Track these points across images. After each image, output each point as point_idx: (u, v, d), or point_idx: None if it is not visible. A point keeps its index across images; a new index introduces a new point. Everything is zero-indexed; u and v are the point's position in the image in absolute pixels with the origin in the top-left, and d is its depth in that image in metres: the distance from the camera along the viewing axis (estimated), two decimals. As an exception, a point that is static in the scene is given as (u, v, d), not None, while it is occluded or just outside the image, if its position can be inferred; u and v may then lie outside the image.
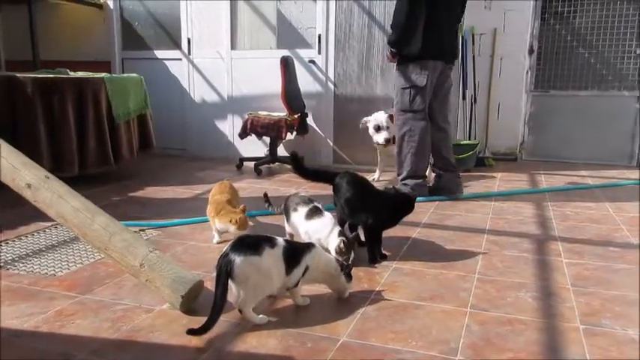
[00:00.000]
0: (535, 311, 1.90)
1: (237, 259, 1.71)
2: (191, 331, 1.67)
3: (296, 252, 1.86)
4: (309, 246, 1.94)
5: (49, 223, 2.85)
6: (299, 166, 2.68)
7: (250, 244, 1.79)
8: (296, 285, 1.86)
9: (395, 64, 3.60)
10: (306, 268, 1.85)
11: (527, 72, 5.30)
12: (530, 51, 5.27)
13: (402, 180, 3.66)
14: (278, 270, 1.79)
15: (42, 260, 2.40)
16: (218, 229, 2.63)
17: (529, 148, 5.47)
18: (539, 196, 3.76)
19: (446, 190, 3.71)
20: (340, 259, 2.06)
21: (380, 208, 2.43)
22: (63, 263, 2.36)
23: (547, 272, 2.29)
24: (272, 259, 1.78)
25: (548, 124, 5.38)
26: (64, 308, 1.90)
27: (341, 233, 2.26)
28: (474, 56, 5.26)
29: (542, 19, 5.24)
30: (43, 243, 2.64)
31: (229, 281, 1.71)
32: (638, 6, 4.93)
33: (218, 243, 2.63)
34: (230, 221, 2.53)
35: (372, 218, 2.39)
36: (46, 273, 2.24)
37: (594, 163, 5.14)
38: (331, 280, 1.95)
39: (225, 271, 1.70)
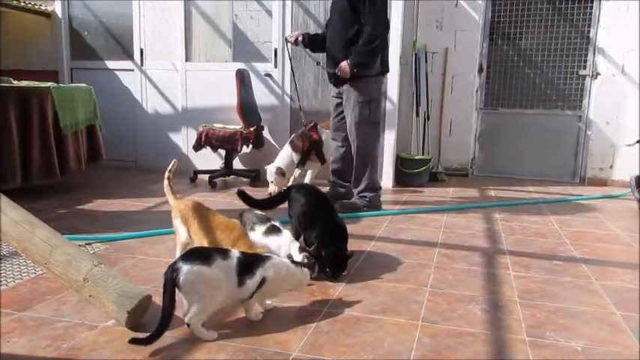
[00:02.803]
0: (483, 323, 1.93)
1: (184, 268, 1.68)
2: (135, 341, 1.63)
3: (251, 264, 1.82)
4: (264, 258, 1.90)
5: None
6: (251, 201, 2.65)
7: (201, 254, 1.77)
8: (250, 297, 1.82)
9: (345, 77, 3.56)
10: (263, 281, 1.82)
11: (477, 90, 5.48)
12: (480, 70, 5.46)
13: (360, 193, 3.68)
14: (229, 282, 1.76)
15: (-23, 276, 2.26)
16: None
17: (480, 164, 5.63)
18: (488, 211, 3.86)
19: (374, 206, 3.73)
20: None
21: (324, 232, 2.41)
22: (0, 279, 2.23)
23: (495, 285, 2.34)
24: (223, 270, 1.75)
25: (497, 141, 5.56)
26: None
27: (302, 249, 2.26)
28: (427, 74, 5.39)
29: (490, 40, 5.45)
30: (-20, 258, 2.49)
31: (179, 292, 1.68)
32: (580, 29, 5.20)
33: None
34: None
35: (317, 240, 2.37)
36: (-19, 290, 2.12)
37: (541, 179, 5.34)
38: (299, 284, 1.99)
39: (170, 279, 1.67)
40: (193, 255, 1.75)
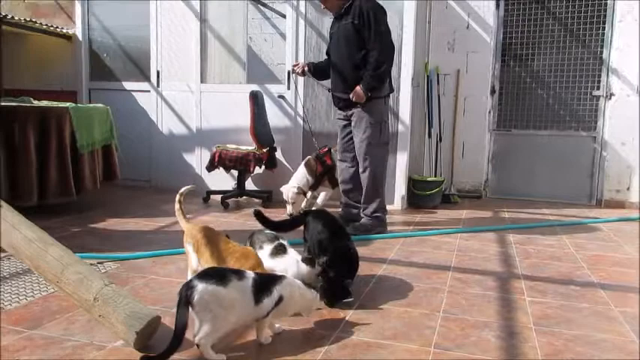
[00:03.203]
0: (498, 351, 1.89)
1: (199, 286, 1.68)
2: (146, 358, 1.61)
3: (267, 283, 1.84)
4: (280, 277, 1.93)
5: (2, 254, 2.72)
6: (268, 222, 2.66)
7: (217, 274, 1.77)
8: (266, 315, 1.82)
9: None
10: (280, 299, 1.83)
11: (489, 111, 5.46)
12: (492, 91, 5.45)
13: (373, 213, 3.67)
14: (244, 303, 1.76)
15: (-10, 294, 2.28)
16: None
17: (493, 186, 5.58)
18: (502, 233, 3.81)
19: (383, 226, 3.74)
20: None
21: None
22: (13, 296, 2.25)
23: (510, 311, 2.30)
24: (238, 292, 1.75)
25: (510, 162, 5.52)
26: (10, 344, 1.80)
27: (308, 261, 2.28)
28: (439, 95, 5.40)
29: (502, 61, 5.44)
30: (-7, 276, 2.51)
31: (191, 312, 1.68)
32: (593, 50, 5.18)
33: None
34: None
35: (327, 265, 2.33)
36: (-6, 308, 2.13)
37: (556, 201, 5.27)
38: (308, 305, 1.98)
39: (185, 297, 1.67)
40: (209, 274, 1.76)
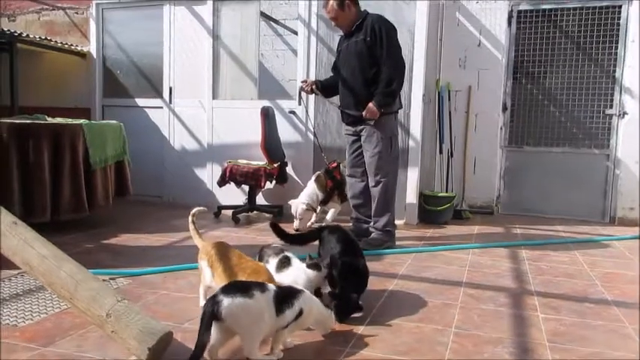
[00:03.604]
0: (512, 368, 1.87)
1: (225, 300, 1.70)
2: None
3: (288, 295, 1.87)
4: (300, 291, 1.96)
5: (16, 272, 2.75)
6: (283, 234, 2.67)
7: (240, 287, 1.80)
8: (285, 327, 1.84)
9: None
10: (300, 312, 1.86)
11: (501, 128, 5.45)
12: (504, 108, 5.44)
13: (384, 227, 3.67)
14: (268, 314, 1.79)
15: (4, 310, 2.29)
16: None
17: (505, 202, 5.54)
18: (514, 249, 3.77)
19: (393, 241, 3.75)
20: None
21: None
22: (26, 313, 2.26)
23: (523, 327, 2.27)
24: (262, 303, 1.78)
25: (523, 179, 5.49)
26: (23, 361, 1.81)
27: (314, 265, 2.29)
28: (450, 112, 5.40)
29: (514, 79, 5.44)
30: (7, 292, 2.53)
31: (213, 326, 1.70)
32: (606, 69, 5.17)
33: None
34: None
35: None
36: (7, 323, 2.15)
37: (569, 218, 5.21)
38: (323, 320, 2.01)
39: (210, 312, 1.68)
40: (232, 287, 1.79)
